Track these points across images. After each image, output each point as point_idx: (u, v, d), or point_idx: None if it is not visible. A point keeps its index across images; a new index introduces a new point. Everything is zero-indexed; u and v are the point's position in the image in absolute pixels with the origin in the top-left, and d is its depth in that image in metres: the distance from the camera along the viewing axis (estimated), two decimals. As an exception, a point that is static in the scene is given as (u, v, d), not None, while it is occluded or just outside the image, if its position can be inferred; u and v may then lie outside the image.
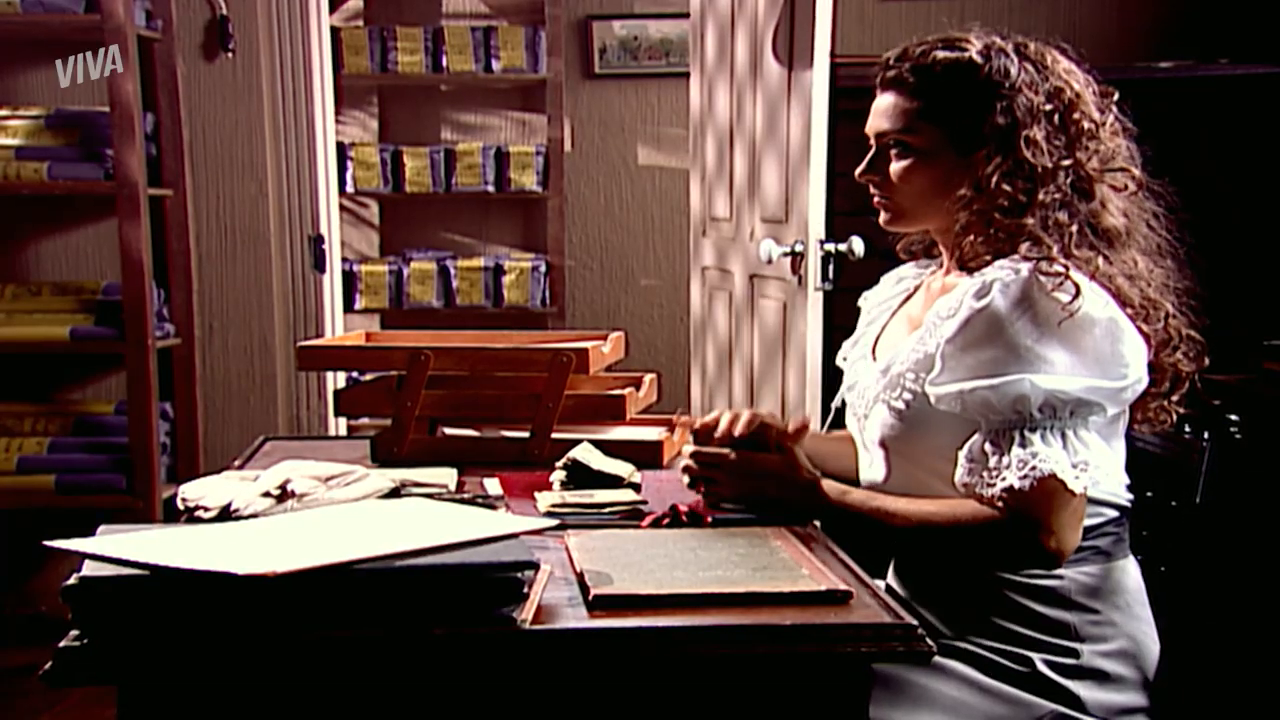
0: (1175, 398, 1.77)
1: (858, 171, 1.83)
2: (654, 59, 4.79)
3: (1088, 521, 1.70)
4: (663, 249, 4.91)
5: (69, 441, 3.75)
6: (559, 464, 1.94)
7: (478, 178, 4.73)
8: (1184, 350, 1.75)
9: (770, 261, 3.10)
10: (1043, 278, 1.63)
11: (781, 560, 1.53)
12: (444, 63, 4.67)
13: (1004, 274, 1.66)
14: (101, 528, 1.46)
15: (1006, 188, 1.69)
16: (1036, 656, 1.68)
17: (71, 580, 1.28)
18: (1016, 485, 1.59)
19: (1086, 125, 1.73)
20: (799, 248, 3.03)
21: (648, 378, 2.36)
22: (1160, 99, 3.42)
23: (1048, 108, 1.71)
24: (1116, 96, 1.79)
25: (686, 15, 3.99)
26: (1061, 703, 1.66)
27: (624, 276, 4.94)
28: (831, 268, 3.00)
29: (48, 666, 1.26)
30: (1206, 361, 1.77)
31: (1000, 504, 1.62)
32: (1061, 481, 1.59)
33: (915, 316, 1.84)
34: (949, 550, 1.71)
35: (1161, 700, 1.75)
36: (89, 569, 1.30)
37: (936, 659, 1.47)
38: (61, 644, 1.28)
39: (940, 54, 1.74)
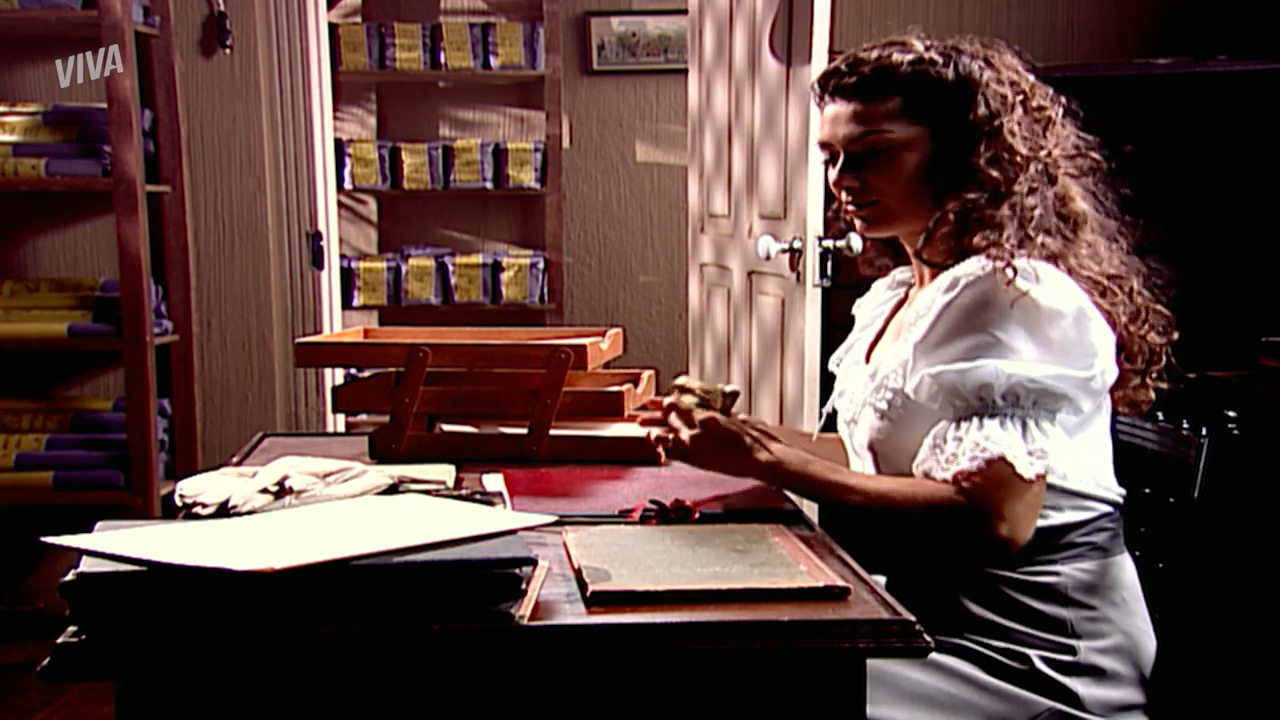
0: (1154, 375, 1.79)
1: (833, 179, 1.82)
2: (652, 55, 4.79)
3: (1081, 516, 1.71)
4: (661, 246, 4.91)
5: (67, 438, 3.75)
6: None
7: (476, 174, 4.72)
8: (1151, 323, 1.76)
9: (768, 258, 3.09)
10: (1003, 268, 1.65)
11: (779, 556, 1.53)
12: (442, 59, 4.67)
13: (970, 267, 1.68)
14: (99, 524, 1.46)
15: (995, 174, 1.72)
16: (1034, 653, 1.68)
17: (69, 576, 1.28)
18: (966, 467, 1.60)
19: (1045, 115, 1.78)
20: (797, 244, 3.03)
21: (646, 374, 2.36)
22: (1158, 96, 3.43)
23: (1016, 99, 1.76)
24: (1051, 91, 1.82)
25: (685, 12, 3.99)
26: (1059, 700, 1.66)
27: (622, 273, 4.94)
28: (830, 264, 3.00)
29: (45, 662, 1.26)
30: (1176, 335, 1.79)
31: (954, 487, 1.62)
32: (1011, 465, 1.58)
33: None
34: (904, 529, 1.72)
35: (1160, 697, 1.75)
36: (86, 565, 1.30)
37: (934, 655, 1.47)
38: (59, 640, 1.27)
39: (902, 55, 1.76)
